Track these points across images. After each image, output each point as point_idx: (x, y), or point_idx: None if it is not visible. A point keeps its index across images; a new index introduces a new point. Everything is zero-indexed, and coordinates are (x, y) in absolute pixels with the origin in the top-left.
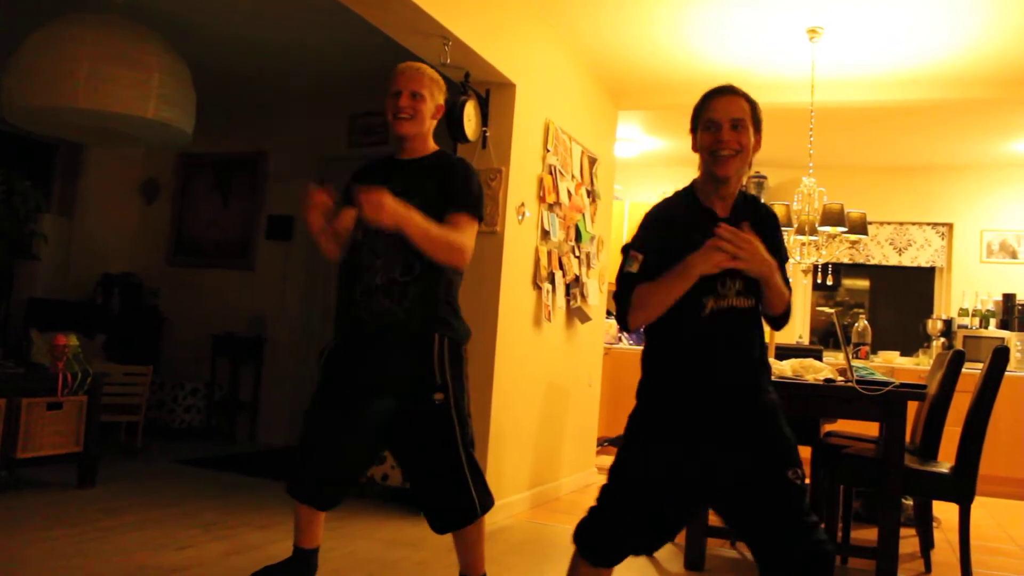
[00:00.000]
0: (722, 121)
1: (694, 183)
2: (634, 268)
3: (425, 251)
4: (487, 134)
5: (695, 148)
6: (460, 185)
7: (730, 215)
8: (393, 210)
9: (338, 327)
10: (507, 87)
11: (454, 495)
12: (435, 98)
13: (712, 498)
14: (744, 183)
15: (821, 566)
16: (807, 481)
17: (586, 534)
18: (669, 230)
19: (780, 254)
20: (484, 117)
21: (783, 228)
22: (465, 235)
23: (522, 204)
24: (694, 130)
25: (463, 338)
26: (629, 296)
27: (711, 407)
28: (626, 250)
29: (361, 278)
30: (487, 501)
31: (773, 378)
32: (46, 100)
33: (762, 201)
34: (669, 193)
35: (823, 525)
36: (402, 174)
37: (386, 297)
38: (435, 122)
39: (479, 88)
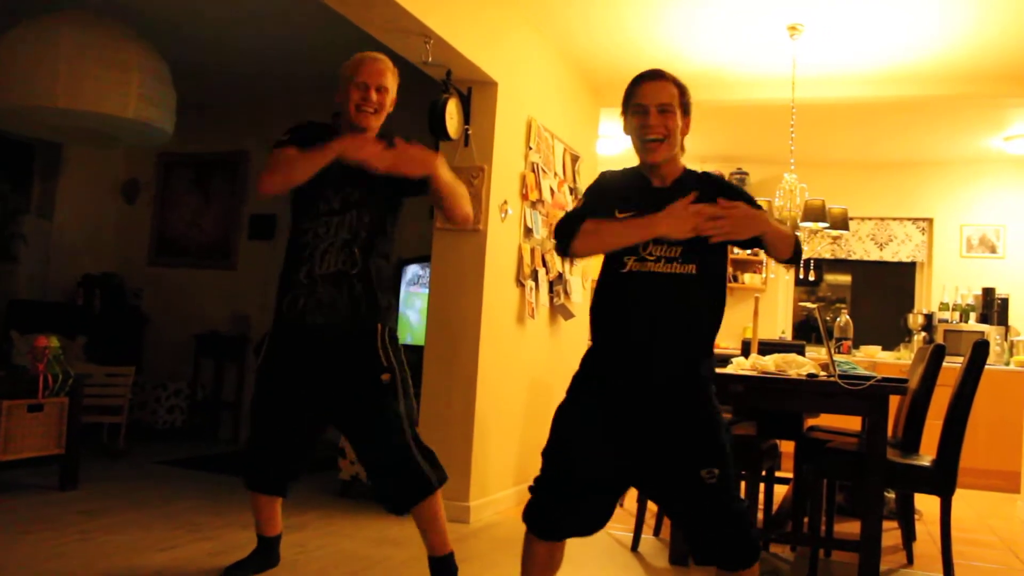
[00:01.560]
0: (649, 105)
1: (639, 164)
2: (578, 207)
3: (450, 203)
4: (469, 132)
5: (625, 131)
6: None
7: (671, 186)
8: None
9: (279, 316)
10: (489, 85)
11: (405, 471)
12: (393, 91)
13: (634, 480)
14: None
15: (743, 555)
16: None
17: (532, 509)
18: (604, 197)
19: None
20: (466, 115)
21: None
22: None
23: (505, 202)
24: (624, 113)
25: (396, 325)
26: (577, 224)
27: (632, 384)
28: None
29: (304, 263)
30: (441, 475)
31: (756, 374)
32: (24, 99)
33: (709, 173)
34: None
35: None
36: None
37: (333, 287)
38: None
39: (461, 86)
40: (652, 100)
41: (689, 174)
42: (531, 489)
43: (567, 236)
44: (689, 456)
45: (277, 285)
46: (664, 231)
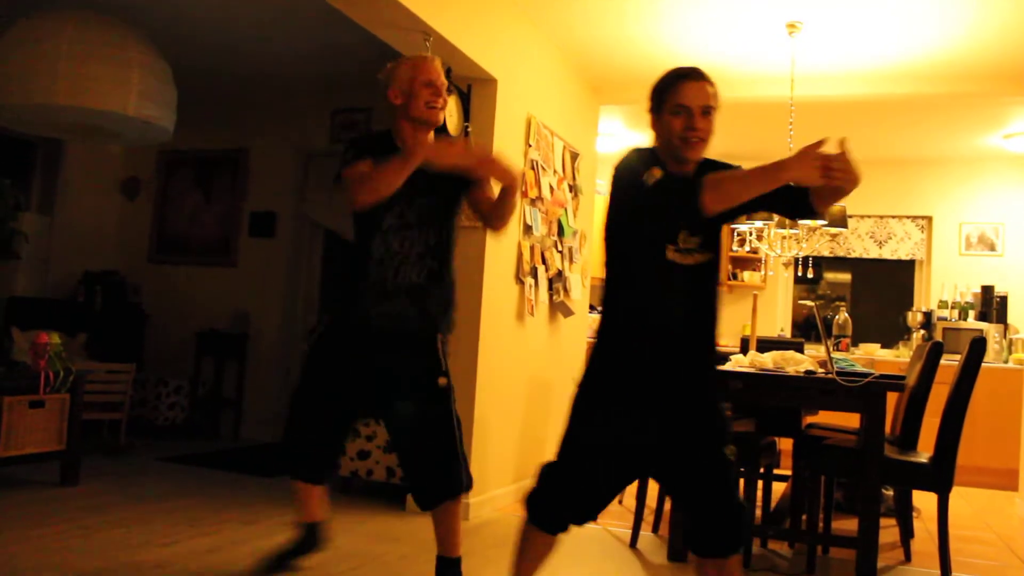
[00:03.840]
0: (693, 108)
1: (656, 149)
2: (656, 176)
3: (505, 212)
4: (469, 129)
5: (655, 128)
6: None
7: (693, 172)
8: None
9: (339, 315)
10: (488, 82)
11: (448, 469)
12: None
13: (653, 466)
14: None
15: (736, 540)
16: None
17: (537, 502)
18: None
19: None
20: (466, 112)
21: (764, 222)
22: None
23: None
24: (656, 111)
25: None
26: (687, 184)
27: (664, 370)
28: (637, 181)
29: (379, 275)
30: (470, 481)
31: (754, 371)
32: (25, 97)
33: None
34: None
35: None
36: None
37: (409, 300)
38: None
39: (460, 83)
40: (696, 102)
41: (703, 162)
42: (541, 483)
43: (690, 193)
44: (716, 436)
45: (342, 290)
46: (797, 176)
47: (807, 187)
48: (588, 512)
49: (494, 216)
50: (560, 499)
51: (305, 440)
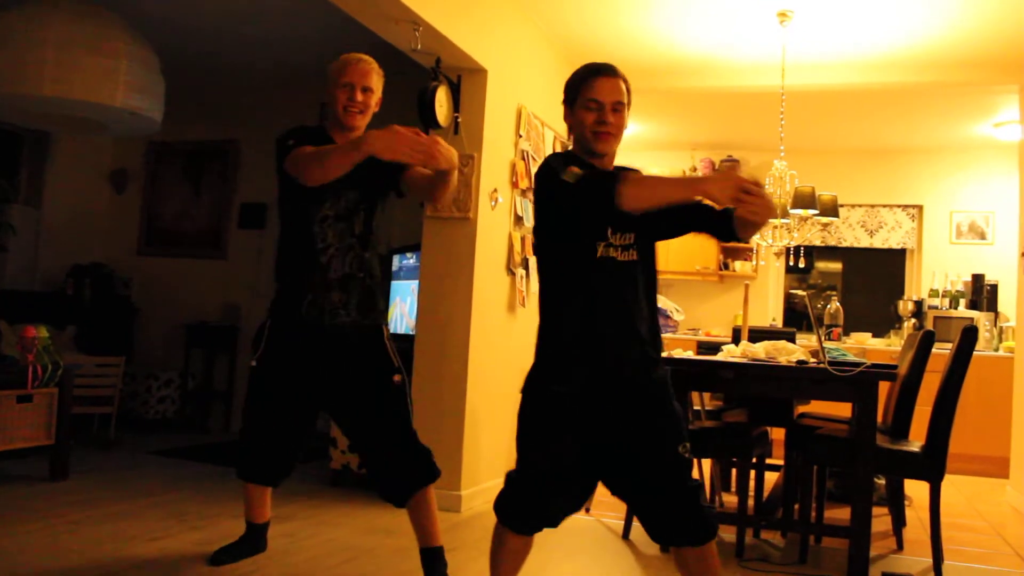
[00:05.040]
0: (605, 102)
1: (571, 151)
2: (576, 172)
3: (445, 190)
4: (459, 120)
5: (568, 120)
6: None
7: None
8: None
9: (286, 315)
10: (478, 73)
11: (413, 462)
12: (378, 91)
13: (606, 470)
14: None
15: (705, 529)
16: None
17: (506, 504)
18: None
19: None
20: (456, 103)
21: None
22: None
23: (495, 190)
24: (570, 103)
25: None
26: (610, 178)
27: (604, 376)
28: (561, 182)
29: (314, 266)
30: (436, 469)
31: (746, 361)
32: (11, 87)
33: None
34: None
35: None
36: None
37: (343, 291)
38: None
39: (450, 74)
40: (608, 98)
41: (618, 166)
42: (506, 487)
43: (609, 184)
44: (667, 435)
45: (280, 284)
46: (713, 191)
47: (732, 213)
48: (555, 516)
49: (431, 194)
50: (525, 505)
51: (255, 444)
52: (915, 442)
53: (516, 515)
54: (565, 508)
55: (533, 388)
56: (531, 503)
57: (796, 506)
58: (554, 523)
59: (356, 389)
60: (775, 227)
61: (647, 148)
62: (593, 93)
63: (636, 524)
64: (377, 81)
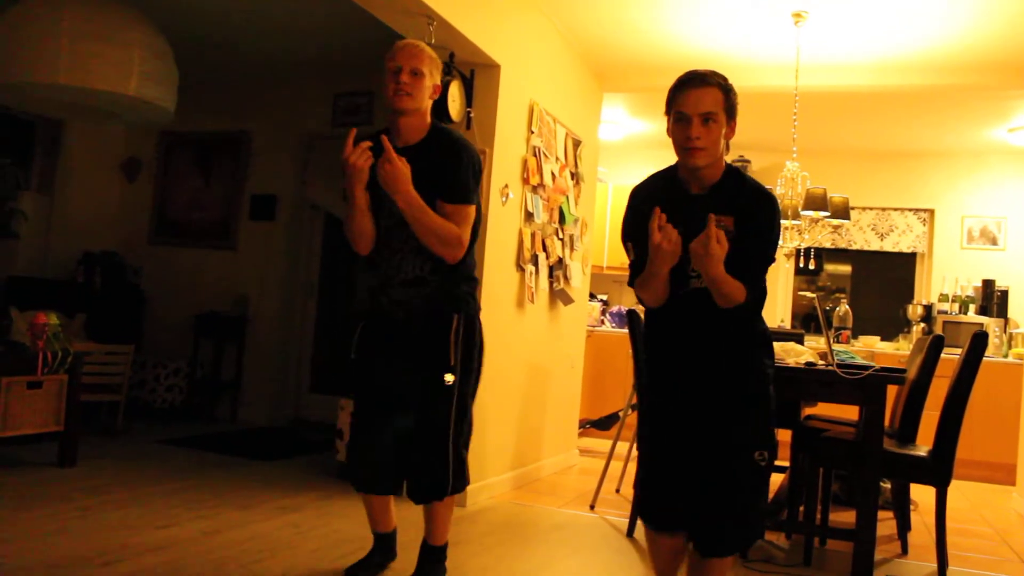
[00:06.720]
0: (692, 115)
1: (675, 166)
2: (631, 257)
3: (420, 238)
4: (471, 115)
5: (669, 134)
6: (456, 174)
7: (708, 193)
8: (407, 186)
9: (360, 316)
10: (492, 68)
11: (440, 470)
12: (433, 77)
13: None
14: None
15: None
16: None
17: (643, 503)
18: (645, 215)
19: (758, 237)
20: (468, 98)
21: None
22: (461, 227)
23: (506, 186)
24: (667, 114)
25: (476, 312)
26: (634, 279)
27: (689, 379)
28: (624, 240)
29: (383, 269)
30: (458, 485)
31: None
32: (25, 76)
33: (750, 178)
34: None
35: (801, 507)
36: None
37: (412, 289)
38: (432, 101)
39: (464, 69)
40: (694, 109)
41: (728, 178)
42: (637, 491)
43: (637, 292)
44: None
45: (363, 290)
46: (659, 266)
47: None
48: (679, 504)
49: None
50: (655, 497)
51: (363, 452)
52: (922, 447)
53: (650, 510)
54: (682, 496)
55: (651, 400)
56: (656, 493)
57: (801, 508)
58: (680, 512)
59: (408, 382)
60: (786, 228)
61: (661, 148)
62: (679, 105)
63: (638, 523)
64: (429, 64)
